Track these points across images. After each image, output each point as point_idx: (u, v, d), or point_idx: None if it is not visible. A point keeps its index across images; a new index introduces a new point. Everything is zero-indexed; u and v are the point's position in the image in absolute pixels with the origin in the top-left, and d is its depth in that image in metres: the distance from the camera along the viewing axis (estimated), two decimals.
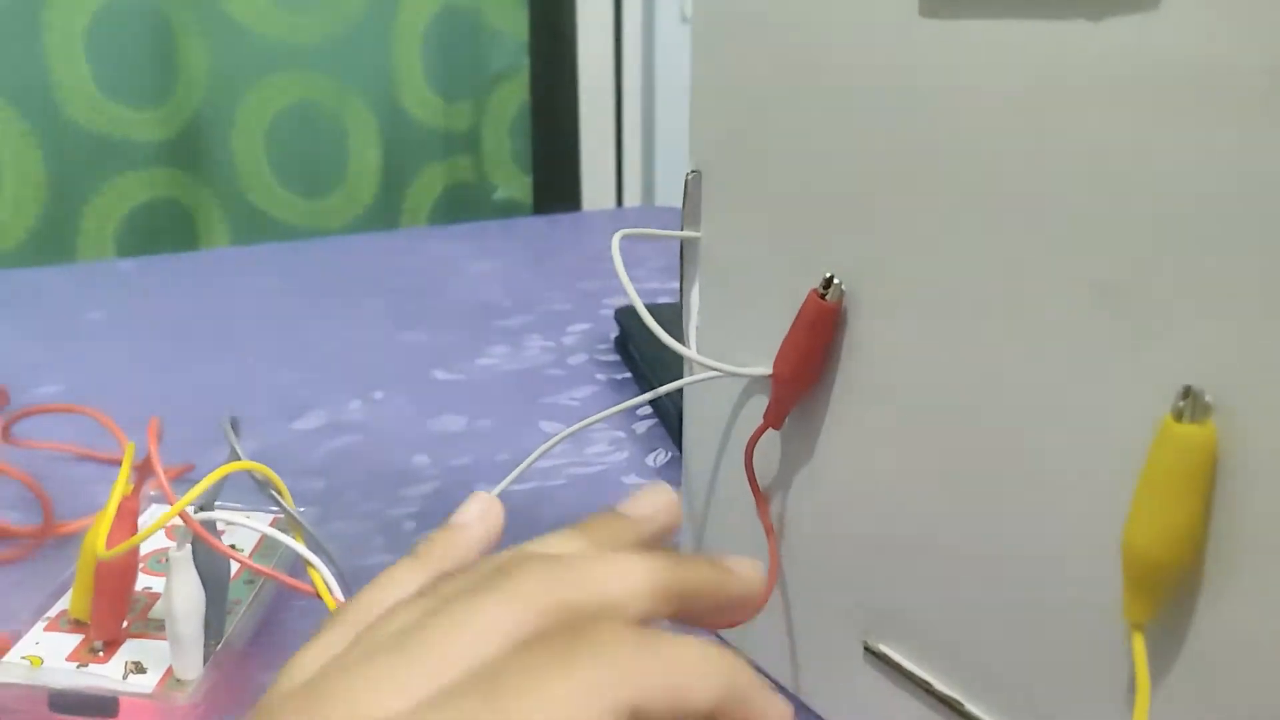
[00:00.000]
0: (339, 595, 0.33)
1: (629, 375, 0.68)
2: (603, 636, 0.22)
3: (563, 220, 1.24)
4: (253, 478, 0.35)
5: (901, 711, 0.32)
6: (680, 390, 0.58)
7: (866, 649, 0.33)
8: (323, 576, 0.33)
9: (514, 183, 1.50)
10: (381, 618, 0.23)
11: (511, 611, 0.22)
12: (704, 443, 0.39)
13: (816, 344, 0.31)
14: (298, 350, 0.74)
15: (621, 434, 0.59)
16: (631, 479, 0.54)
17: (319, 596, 0.33)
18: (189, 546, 0.34)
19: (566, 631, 0.22)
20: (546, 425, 0.60)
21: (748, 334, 0.35)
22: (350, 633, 0.23)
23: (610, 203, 1.60)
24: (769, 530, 0.35)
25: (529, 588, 0.23)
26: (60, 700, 0.34)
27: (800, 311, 0.31)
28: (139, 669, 0.36)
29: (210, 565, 0.35)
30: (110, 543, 0.34)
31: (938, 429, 0.29)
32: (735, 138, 0.34)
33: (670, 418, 0.58)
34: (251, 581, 0.41)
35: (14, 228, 1.16)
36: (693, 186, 0.36)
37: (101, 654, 0.36)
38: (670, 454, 0.56)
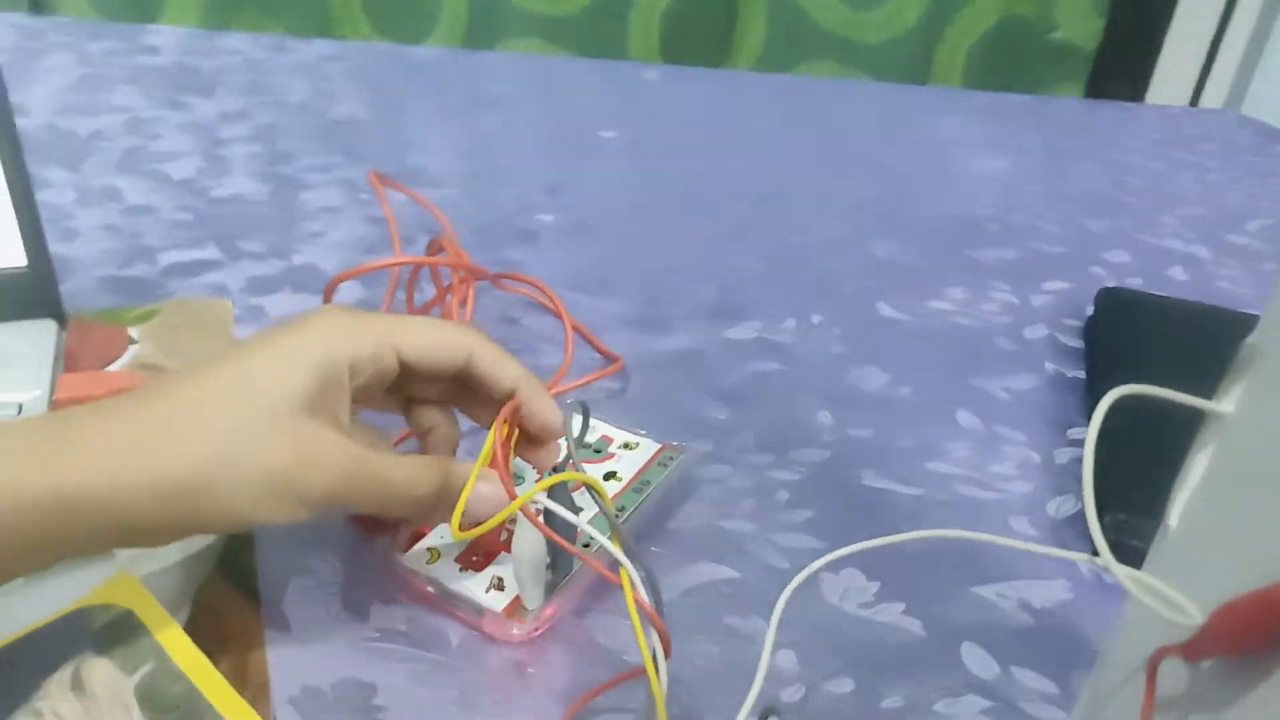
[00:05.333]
0: (643, 597, 0.35)
1: (1081, 374, 0.62)
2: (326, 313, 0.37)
3: (1121, 112, 1.09)
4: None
5: None
6: (1122, 431, 0.51)
7: None
8: (631, 579, 0.35)
9: (1081, 25, 1.32)
10: None
11: None
12: (1123, 633, 0.35)
13: None
14: (769, 223, 0.75)
15: (1037, 456, 0.54)
16: (1021, 523, 0.49)
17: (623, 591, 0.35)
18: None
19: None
20: (963, 416, 0.57)
21: (1235, 540, 0.29)
22: None
23: (1190, 72, 1.37)
24: None
25: None
26: (445, 596, 0.41)
27: None
28: (499, 586, 0.41)
29: (559, 524, 0.39)
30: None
31: None
32: None
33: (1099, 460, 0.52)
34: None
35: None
36: (1244, 358, 0.30)
37: (478, 560, 0.42)
38: (1077, 507, 0.51)
